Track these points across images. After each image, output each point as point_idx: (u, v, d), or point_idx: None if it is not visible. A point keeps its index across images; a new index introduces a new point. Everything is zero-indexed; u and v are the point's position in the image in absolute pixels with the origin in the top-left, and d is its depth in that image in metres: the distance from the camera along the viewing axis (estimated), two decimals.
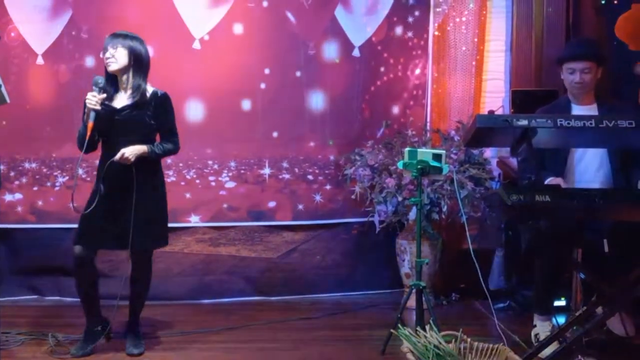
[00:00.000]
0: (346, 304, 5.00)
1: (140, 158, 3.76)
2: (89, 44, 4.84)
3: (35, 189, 4.95)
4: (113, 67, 3.79)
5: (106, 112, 3.79)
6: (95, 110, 3.70)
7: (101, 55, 3.89)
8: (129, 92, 3.83)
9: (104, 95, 3.77)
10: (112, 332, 4.05)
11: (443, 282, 5.12)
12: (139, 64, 3.82)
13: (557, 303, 4.41)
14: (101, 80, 3.77)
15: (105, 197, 3.78)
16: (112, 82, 3.85)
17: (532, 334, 3.97)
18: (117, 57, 3.77)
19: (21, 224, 4.94)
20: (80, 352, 3.83)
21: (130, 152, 3.72)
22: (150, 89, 3.87)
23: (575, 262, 3.81)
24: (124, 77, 3.84)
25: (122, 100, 3.84)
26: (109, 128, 3.80)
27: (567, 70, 3.95)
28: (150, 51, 4.89)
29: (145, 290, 4.00)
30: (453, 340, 3.27)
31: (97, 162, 3.93)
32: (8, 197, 4.92)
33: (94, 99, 3.70)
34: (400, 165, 4.05)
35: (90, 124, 3.68)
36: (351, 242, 5.30)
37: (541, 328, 3.90)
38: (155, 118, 3.85)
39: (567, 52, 4.07)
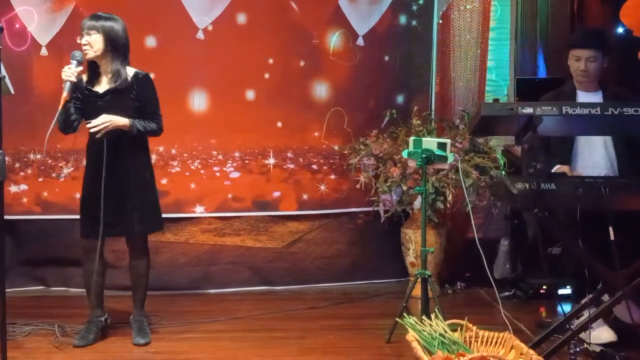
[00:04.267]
0: (351, 294, 5.01)
1: (126, 137, 3.73)
2: None
3: (40, 180, 4.95)
4: (89, 55, 3.74)
5: (89, 97, 3.78)
6: (71, 82, 3.65)
7: (78, 41, 3.85)
8: (109, 76, 3.79)
9: (81, 67, 3.72)
10: (110, 326, 4.05)
11: (448, 271, 5.12)
12: (115, 47, 3.76)
13: (562, 291, 4.41)
14: (79, 54, 3.71)
15: (98, 185, 3.75)
16: (93, 67, 3.81)
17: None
18: (93, 44, 3.72)
19: (27, 215, 4.95)
20: (84, 342, 3.84)
21: (110, 118, 3.68)
22: (131, 71, 3.82)
23: (581, 249, 3.79)
24: (103, 62, 3.79)
25: (104, 84, 3.81)
26: (93, 113, 3.77)
27: (573, 57, 3.93)
28: (154, 41, 4.93)
29: (145, 278, 3.99)
30: (458, 329, 3.27)
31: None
32: (13, 189, 4.93)
33: (69, 71, 3.65)
34: (405, 154, 4.04)
35: (65, 95, 3.64)
36: (356, 231, 5.31)
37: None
38: (138, 100, 3.82)
39: (574, 39, 4.05)
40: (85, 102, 3.80)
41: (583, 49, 3.89)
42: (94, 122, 3.68)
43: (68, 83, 3.66)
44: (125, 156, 3.78)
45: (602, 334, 3.75)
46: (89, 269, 3.87)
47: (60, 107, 3.65)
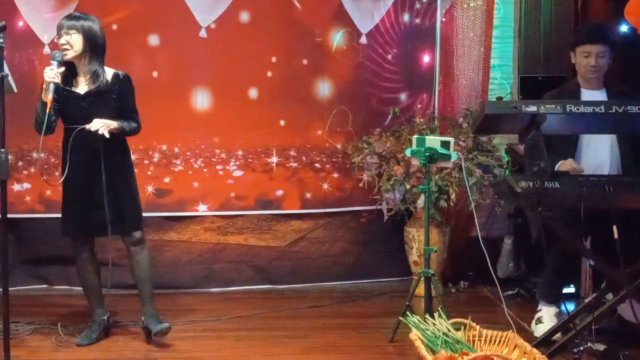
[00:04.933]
0: (354, 292, 5.00)
1: (109, 139, 3.69)
2: None
3: (43, 178, 4.94)
4: (69, 55, 3.70)
5: (69, 98, 3.75)
6: (54, 83, 3.60)
7: (55, 40, 3.83)
8: (88, 76, 3.76)
9: (63, 68, 3.67)
10: (113, 324, 4.04)
11: (452, 270, 5.11)
12: (94, 47, 3.73)
13: (566, 290, 4.40)
14: (59, 54, 3.66)
15: (82, 187, 3.76)
16: (70, 67, 3.77)
17: (535, 317, 3.95)
18: (72, 43, 3.69)
19: (30, 213, 4.95)
20: (86, 341, 3.84)
21: (105, 122, 3.66)
22: (110, 72, 3.80)
23: (585, 248, 3.79)
24: (81, 62, 3.76)
25: (82, 85, 3.78)
26: (75, 114, 3.75)
27: (581, 54, 3.90)
28: (157, 39, 4.94)
29: (150, 271, 3.96)
30: (462, 328, 3.27)
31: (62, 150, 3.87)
32: (16, 187, 4.93)
33: (52, 72, 3.60)
34: (408, 152, 4.04)
35: (50, 97, 3.59)
36: (359, 230, 5.30)
37: (546, 312, 3.89)
38: (119, 100, 3.79)
39: (583, 35, 4.01)
40: (65, 103, 3.76)
41: (593, 45, 3.87)
42: (90, 126, 3.64)
43: (52, 85, 3.60)
44: (110, 156, 3.75)
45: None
46: (80, 270, 3.89)
47: (47, 109, 3.59)
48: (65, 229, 3.89)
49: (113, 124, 3.70)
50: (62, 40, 3.70)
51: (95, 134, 3.65)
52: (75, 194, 3.81)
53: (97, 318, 3.93)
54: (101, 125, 3.65)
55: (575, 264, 4.11)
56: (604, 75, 3.96)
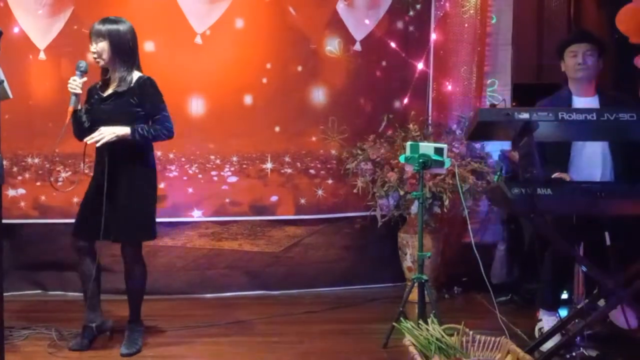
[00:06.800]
0: (348, 298, 5.02)
1: (124, 146, 3.69)
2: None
3: (38, 184, 4.96)
4: (100, 63, 3.75)
5: (96, 101, 3.78)
6: (76, 94, 3.66)
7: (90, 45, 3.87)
8: (116, 81, 3.78)
9: (85, 78, 3.72)
10: (114, 330, 4.03)
11: (445, 276, 5.13)
12: (121, 51, 3.74)
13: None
14: (83, 64, 3.71)
15: (97, 188, 3.77)
16: (105, 73, 3.82)
17: (537, 327, 3.97)
18: (100, 52, 3.71)
19: (24, 219, 4.95)
20: (79, 346, 3.84)
21: (108, 130, 3.65)
22: (135, 75, 3.79)
23: (578, 255, 3.81)
24: (112, 67, 3.78)
25: (109, 89, 3.81)
26: (96, 116, 3.77)
27: (569, 55, 3.93)
28: (152, 46, 4.96)
29: (138, 285, 3.91)
30: (455, 334, 3.29)
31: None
32: (11, 193, 4.93)
33: (74, 83, 3.67)
34: (402, 159, 4.06)
35: (71, 108, 3.65)
36: (353, 236, 5.32)
37: (547, 322, 3.90)
38: (141, 104, 3.77)
39: (569, 37, 4.10)
40: (92, 107, 3.81)
41: (579, 43, 3.92)
42: (92, 136, 3.67)
43: (73, 96, 3.67)
44: (126, 164, 3.75)
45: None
46: (80, 271, 3.89)
47: (67, 118, 3.65)
48: (74, 228, 3.89)
49: (122, 131, 3.67)
50: (92, 49, 3.74)
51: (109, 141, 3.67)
52: (88, 197, 3.85)
53: (90, 324, 3.91)
54: (99, 136, 3.65)
55: (569, 270, 4.14)
56: (596, 82, 3.97)
